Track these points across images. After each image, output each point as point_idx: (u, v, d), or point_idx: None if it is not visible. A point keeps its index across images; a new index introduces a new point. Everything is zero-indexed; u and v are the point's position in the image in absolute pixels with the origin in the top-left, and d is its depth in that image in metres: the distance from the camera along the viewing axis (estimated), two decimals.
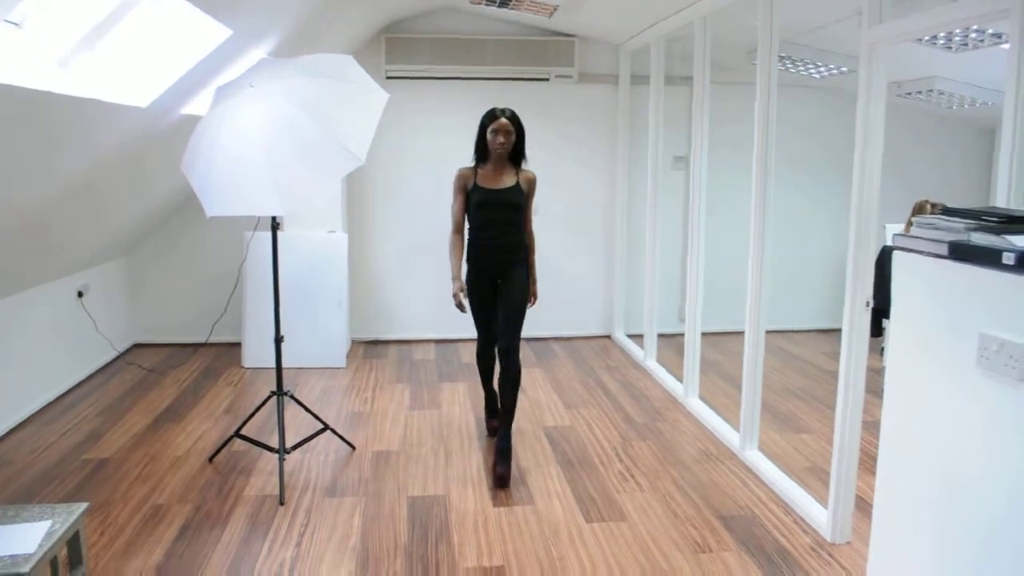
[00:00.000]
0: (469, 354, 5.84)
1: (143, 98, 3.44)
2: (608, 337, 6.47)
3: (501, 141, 3.66)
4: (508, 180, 3.76)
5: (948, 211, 2.03)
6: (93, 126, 3.28)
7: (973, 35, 4.06)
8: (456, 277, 3.78)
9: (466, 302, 3.77)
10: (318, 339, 5.44)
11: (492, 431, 4.21)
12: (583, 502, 3.44)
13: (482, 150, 3.75)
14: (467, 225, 3.83)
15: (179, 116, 4.02)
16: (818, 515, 3.21)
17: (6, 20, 2.52)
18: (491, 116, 3.69)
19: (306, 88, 3.35)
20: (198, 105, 4.06)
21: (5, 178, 3.02)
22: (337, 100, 3.39)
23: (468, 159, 3.80)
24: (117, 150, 3.73)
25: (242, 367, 5.48)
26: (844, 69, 5.34)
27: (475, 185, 3.74)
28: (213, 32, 3.34)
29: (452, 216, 3.85)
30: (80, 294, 5.04)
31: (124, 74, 3.23)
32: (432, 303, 6.20)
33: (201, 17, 3.09)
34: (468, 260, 3.84)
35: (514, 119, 3.70)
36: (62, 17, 2.76)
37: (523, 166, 3.81)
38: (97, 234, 4.83)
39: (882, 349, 4.64)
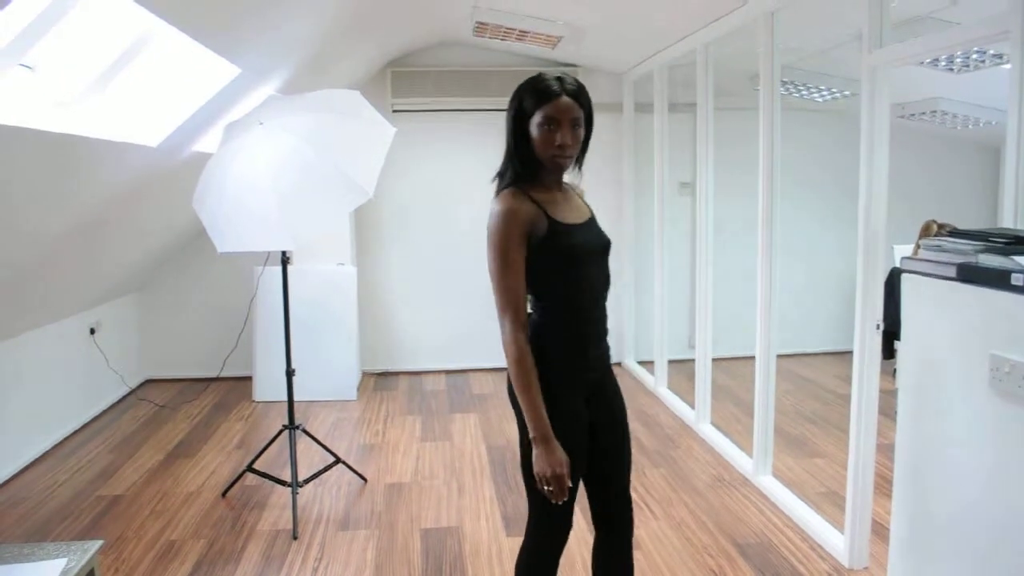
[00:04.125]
0: (479, 384, 5.84)
1: (154, 137, 3.49)
2: (618, 364, 6.44)
3: (566, 142, 1.99)
4: (582, 208, 2.19)
5: (956, 233, 2.03)
6: (104, 166, 3.32)
7: (974, 56, 4.08)
8: (549, 436, 1.91)
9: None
10: (328, 372, 5.44)
11: None
12: None
13: (526, 157, 2.02)
14: (534, 306, 2.06)
15: (189, 153, 4.06)
16: (835, 540, 3.17)
17: (20, 64, 2.57)
18: (544, 93, 1.96)
19: (314, 124, 3.39)
20: (208, 143, 4.11)
21: (19, 217, 3.06)
22: (345, 135, 3.43)
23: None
24: (128, 189, 3.78)
25: (253, 401, 5.48)
26: (847, 92, 5.37)
27: (551, 222, 2.00)
28: (222, 71, 3.39)
29: (507, 301, 1.95)
30: (92, 331, 5.07)
31: (135, 114, 3.28)
32: (442, 334, 6.21)
33: (210, 56, 3.14)
34: (554, 378, 1.98)
35: (582, 95, 2.05)
36: (73, 60, 2.81)
37: (571, 178, 2.17)
38: (109, 271, 4.87)
39: (894, 371, 4.61)
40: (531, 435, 1.92)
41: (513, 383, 1.95)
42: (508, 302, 1.94)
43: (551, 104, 1.95)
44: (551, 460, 1.90)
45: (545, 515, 2.08)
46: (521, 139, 2.00)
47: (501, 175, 2.07)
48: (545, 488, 1.92)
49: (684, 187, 6.05)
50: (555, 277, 2.02)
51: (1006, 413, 1.77)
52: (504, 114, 2.05)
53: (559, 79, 1.98)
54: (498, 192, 2.03)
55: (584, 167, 2.19)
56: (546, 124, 1.95)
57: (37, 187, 2.98)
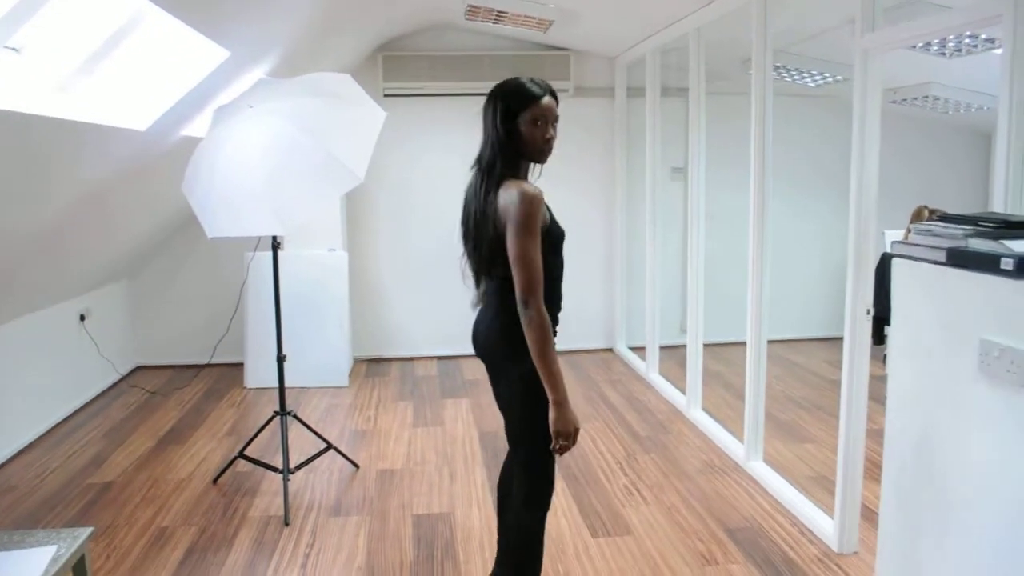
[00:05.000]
0: (471, 370, 5.84)
1: (142, 121, 3.46)
2: (610, 350, 6.46)
3: (552, 136, 2.28)
4: None
5: (946, 217, 2.03)
6: (92, 150, 3.29)
7: (967, 41, 4.07)
8: (567, 398, 2.20)
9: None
10: (320, 358, 5.43)
11: None
12: (588, 516, 3.43)
13: (516, 153, 2.27)
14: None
15: (178, 138, 4.03)
16: (824, 525, 3.19)
17: (6, 46, 2.54)
18: (530, 94, 2.24)
19: (304, 108, 3.36)
20: (197, 127, 4.08)
21: (7, 203, 3.03)
22: (335, 119, 3.40)
23: (468, 175, 2.37)
24: (117, 173, 3.75)
25: (244, 387, 5.47)
26: (839, 77, 5.36)
27: (550, 212, 2.30)
28: (211, 54, 3.36)
29: (537, 279, 2.16)
30: (82, 318, 5.05)
31: (123, 98, 3.25)
32: (433, 320, 6.21)
33: (199, 39, 3.11)
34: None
35: (556, 96, 2.31)
36: (61, 43, 2.78)
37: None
38: (98, 258, 4.84)
39: (884, 356, 4.63)
40: (554, 398, 2.17)
41: (541, 354, 2.16)
42: (537, 280, 2.15)
43: (538, 104, 2.24)
44: (572, 418, 2.19)
45: (545, 477, 2.41)
46: (511, 134, 2.25)
47: (491, 167, 2.25)
48: (559, 444, 2.20)
49: (676, 172, 6.05)
50: (549, 262, 2.23)
51: (995, 397, 1.77)
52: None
53: (534, 81, 2.27)
54: (496, 183, 2.23)
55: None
56: (534, 121, 2.23)
57: (24, 172, 2.95)
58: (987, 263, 1.78)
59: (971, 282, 1.84)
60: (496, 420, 4.70)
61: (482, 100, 2.28)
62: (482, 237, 2.25)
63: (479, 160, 2.30)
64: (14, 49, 2.64)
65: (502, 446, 4.27)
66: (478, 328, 2.42)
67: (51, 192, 3.31)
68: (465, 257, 2.37)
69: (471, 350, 2.43)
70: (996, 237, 1.81)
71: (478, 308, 2.43)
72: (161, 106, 3.48)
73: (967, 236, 1.89)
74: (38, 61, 2.75)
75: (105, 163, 3.54)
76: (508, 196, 2.17)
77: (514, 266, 2.16)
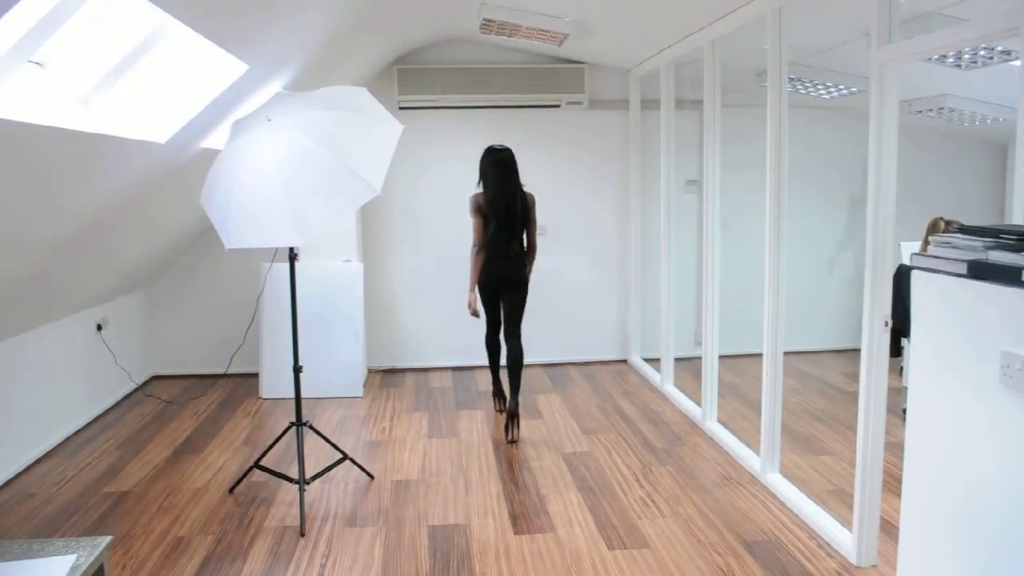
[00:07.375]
0: (486, 381, 5.84)
1: (162, 134, 3.49)
2: (624, 362, 6.45)
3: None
4: None
5: (966, 229, 2.03)
6: (113, 162, 3.33)
7: (982, 53, 4.06)
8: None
9: None
10: (335, 368, 5.45)
11: None
12: (604, 529, 3.42)
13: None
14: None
15: (197, 150, 4.07)
16: (843, 538, 3.17)
17: (30, 60, 2.58)
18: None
19: (322, 120, 3.39)
20: (216, 139, 4.11)
21: (26, 214, 3.07)
22: (352, 131, 3.43)
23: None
24: (136, 185, 3.79)
25: (260, 398, 5.50)
26: (854, 89, 5.35)
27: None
28: (230, 67, 3.39)
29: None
30: (99, 327, 5.09)
31: (143, 111, 3.29)
32: (448, 331, 6.22)
33: (219, 53, 3.14)
34: None
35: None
36: (83, 57, 2.82)
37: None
38: (116, 268, 4.88)
39: (901, 369, 4.60)
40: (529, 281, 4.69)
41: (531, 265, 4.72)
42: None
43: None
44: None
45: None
46: None
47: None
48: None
49: (690, 184, 6.05)
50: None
51: (1016, 409, 1.76)
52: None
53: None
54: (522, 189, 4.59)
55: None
56: None
57: (44, 184, 2.98)
58: (1008, 275, 1.78)
59: (992, 294, 1.83)
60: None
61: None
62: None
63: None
64: (37, 63, 2.68)
65: (517, 457, 4.29)
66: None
67: (71, 203, 3.35)
68: None
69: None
70: (1017, 249, 1.81)
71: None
72: (181, 119, 3.52)
73: (988, 248, 1.88)
74: (61, 75, 2.79)
75: (125, 175, 3.57)
76: (530, 195, 4.73)
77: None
